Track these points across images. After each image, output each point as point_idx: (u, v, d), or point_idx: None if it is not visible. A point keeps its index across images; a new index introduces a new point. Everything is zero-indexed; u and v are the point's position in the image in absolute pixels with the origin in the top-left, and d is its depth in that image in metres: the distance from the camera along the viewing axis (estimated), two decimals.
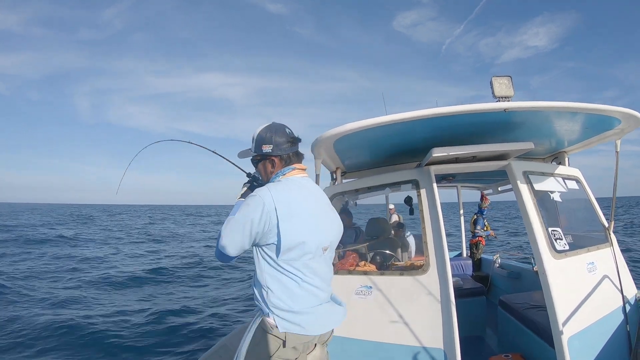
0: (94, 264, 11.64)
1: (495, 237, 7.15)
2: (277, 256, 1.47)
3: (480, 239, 6.54)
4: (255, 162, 1.70)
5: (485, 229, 6.73)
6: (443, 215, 2.38)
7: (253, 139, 1.65)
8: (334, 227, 1.67)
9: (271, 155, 1.60)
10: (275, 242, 1.46)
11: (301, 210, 1.50)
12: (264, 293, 1.49)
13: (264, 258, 1.50)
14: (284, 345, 1.46)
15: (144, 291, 8.34)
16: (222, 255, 1.51)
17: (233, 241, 1.45)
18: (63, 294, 7.65)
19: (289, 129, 1.64)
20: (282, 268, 1.48)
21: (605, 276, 2.51)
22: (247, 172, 1.84)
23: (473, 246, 6.42)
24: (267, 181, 1.65)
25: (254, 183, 1.75)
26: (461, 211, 5.89)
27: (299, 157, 1.66)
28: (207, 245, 16.56)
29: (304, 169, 1.67)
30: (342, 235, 1.74)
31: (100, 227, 28.14)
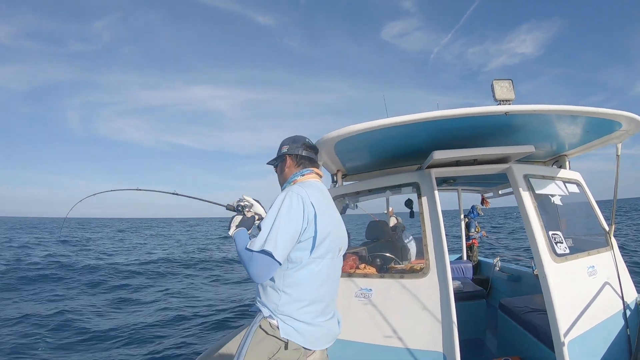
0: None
1: (487, 236, 7.31)
2: (311, 252, 1.47)
3: (474, 241, 6.63)
4: (275, 165, 1.81)
5: (477, 230, 6.87)
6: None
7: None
8: (344, 230, 1.73)
9: (286, 154, 1.72)
10: (312, 236, 1.47)
11: (326, 208, 1.57)
12: (276, 296, 1.47)
13: (288, 259, 1.47)
14: (286, 347, 1.45)
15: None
16: (266, 269, 1.39)
17: (282, 244, 1.38)
18: None
19: (308, 139, 1.81)
20: (306, 266, 1.48)
21: (605, 280, 2.50)
22: (225, 204, 1.77)
23: (468, 249, 6.47)
24: (284, 182, 1.71)
25: (239, 209, 1.67)
26: (462, 215, 5.89)
27: (312, 162, 1.75)
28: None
29: (321, 176, 1.76)
30: None
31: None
